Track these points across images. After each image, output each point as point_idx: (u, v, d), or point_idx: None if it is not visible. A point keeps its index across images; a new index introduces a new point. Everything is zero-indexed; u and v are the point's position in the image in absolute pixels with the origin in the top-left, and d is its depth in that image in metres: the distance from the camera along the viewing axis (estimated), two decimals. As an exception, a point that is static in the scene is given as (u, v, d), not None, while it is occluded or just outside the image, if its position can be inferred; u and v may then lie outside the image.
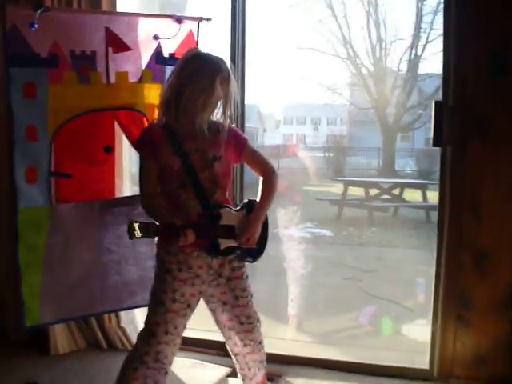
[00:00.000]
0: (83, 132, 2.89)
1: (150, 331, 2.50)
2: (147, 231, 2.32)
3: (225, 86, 2.50)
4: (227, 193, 2.63)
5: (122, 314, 3.51)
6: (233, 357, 2.77)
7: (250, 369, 2.75)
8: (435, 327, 3.07)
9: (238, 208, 2.60)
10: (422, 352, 3.18)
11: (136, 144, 2.69)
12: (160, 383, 2.49)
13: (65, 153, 2.88)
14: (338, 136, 17.66)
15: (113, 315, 3.52)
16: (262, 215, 2.61)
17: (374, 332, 4.40)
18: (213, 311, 2.70)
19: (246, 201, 2.67)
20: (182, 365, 3.15)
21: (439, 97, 2.98)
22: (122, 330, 3.55)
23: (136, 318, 3.62)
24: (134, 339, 3.51)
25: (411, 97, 13.82)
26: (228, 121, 2.59)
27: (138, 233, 2.30)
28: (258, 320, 2.72)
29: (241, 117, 3.30)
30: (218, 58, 2.52)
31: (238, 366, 2.78)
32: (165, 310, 2.49)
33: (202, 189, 2.50)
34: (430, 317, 3.11)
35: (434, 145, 2.96)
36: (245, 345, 2.69)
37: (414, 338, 3.98)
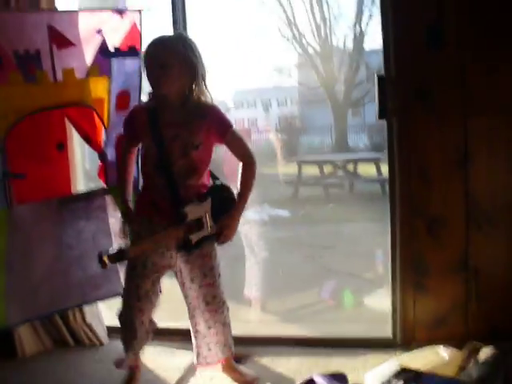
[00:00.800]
0: (34, 131, 2.87)
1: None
2: (118, 259, 2.43)
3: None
4: (205, 174, 2.69)
5: (87, 309, 3.51)
6: (192, 334, 2.85)
7: (209, 349, 2.82)
8: (395, 296, 3.15)
9: (204, 197, 2.61)
10: (385, 321, 3.25)
11: (123, 125, 2.78)
12: None
13: (17, 153, 2.85)
14: (290, 117, 17.69)
15: (77, 311, 3.50)
16: (243, 207, 2.71)
17: (336, 306, 4.47)
18: (182, 285, 2.81)
19: (211, 185, 2.73)
20: (150, 352, 3.16)
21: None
22: (88, 325, 3.54)
23: (101, 313, 3.63)
24: (99, 334, 3.54)
25: (359, 73, 13.91)
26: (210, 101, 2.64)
27: (108, 264, 2.40)
28: (224, 303, 2.78)
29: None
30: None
31: (195, 344, 2.85)
32: (136, 274, 2.69)
33: (174, 179, 2.58)
34: (390, 286, 3.19)
35: (380, 117, 3.02)
36: (209, 326, 2.77)
37: (375, 308, 4.06)
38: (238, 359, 3.17)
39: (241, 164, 2.70)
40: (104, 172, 3.14)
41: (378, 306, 3.98)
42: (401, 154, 3.03)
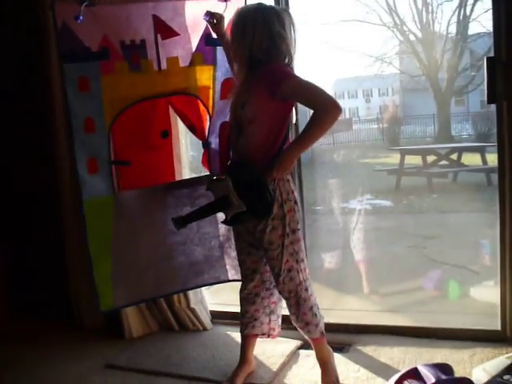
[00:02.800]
0: (139, 119, 2.96)
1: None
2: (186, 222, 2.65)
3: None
4: (257, 137, 2.56)
5: (191, 295, 3.58)
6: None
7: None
8: (504, 287, 3.04)
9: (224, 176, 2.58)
10: (492, 314, 3.15)
11: None
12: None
13: (123, 141, 2.97)
14: (391, 106, 17.40)
15: (182, 297, 3.59)
16: (295, 150, 2.54)
17: (440, 297, 4.36)
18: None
19: (229, 163, 2.75)
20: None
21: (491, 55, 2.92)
22: (192, 310, 3.62)
23: (205, 299, 3.70)
24: (203, 319, 3.61)
25: (462, 59, 13.48)
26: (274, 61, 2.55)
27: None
28: (288, 270, 2.69)
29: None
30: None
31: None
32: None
33: (228, 139, 2.68)
34: (498, 278, 3.07)
35: (489, 102, 2.89)
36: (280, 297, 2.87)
37: (482, 300, 3.94)
38: (340, 348, 3.17)
39: None
40: (208, 160, 3.18)
41: (484, 298, 3.87)
42: (511, 140, 2.91)
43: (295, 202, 2.67)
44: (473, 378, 2.57)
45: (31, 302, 4.23)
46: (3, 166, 4.16)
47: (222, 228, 3.24)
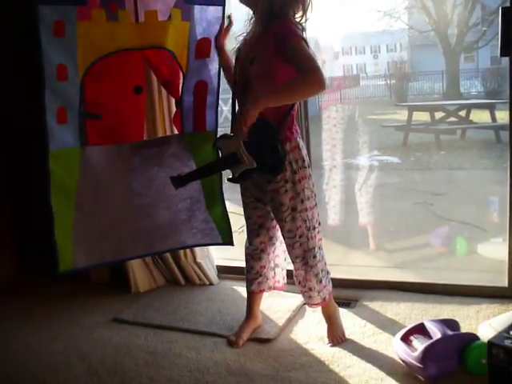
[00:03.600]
0: (113, 72, 2.83)
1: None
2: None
3: None
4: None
5: (197, 249, 3.59)
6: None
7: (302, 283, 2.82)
8: (512, 244, 3.03)
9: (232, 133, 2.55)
10: (500, 271, 3.15)
11: None
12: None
13: (95, 93, 2.83)
14: (399, 62, 17.22)
15: (188, 251, 3.60)
16: (264, 97, 2.36)
17: (448, 253, 4.34)
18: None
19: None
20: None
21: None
22: (198, 265, 3.63)
23: (211, 253, 3.70)
24: (209, 274, 3.62)
25: (473, 14, 13.25)
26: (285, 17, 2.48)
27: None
28: (299, 236, 2.68)
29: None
30: None
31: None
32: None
33: (235, 97, 2.65)
34: (506, 235, 3.06)
35: (502, 55, 2.81)
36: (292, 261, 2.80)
37: (489, 257, 3.93)
38: (347, 303, 3.18)
39: None
40: (180, 119, 3.04)
41: (492, 255, 3.86)
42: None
43: (309, 168, 2.64)
44: (479, 334, 2.57)
45: (39, 254, 4.25)
46: (6, 115, 4.17)
47: (191, 190, 3.08)
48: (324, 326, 2.89)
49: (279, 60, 2.44)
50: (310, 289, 2.77)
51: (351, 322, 3.01)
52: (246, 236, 2.97)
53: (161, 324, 3.19)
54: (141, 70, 2.96)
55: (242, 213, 2.91)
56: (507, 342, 2.18)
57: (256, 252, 2.89)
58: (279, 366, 2.65)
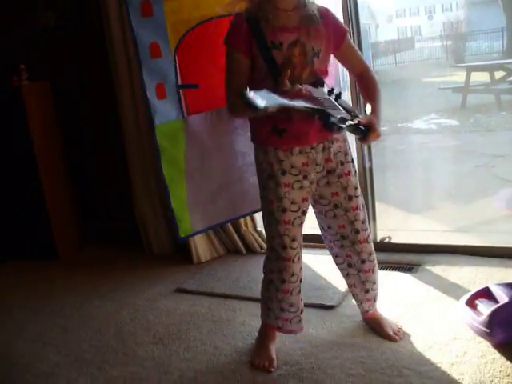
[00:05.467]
0: (203, 41, 2.90)
1: (270, 249, 2.39)
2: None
3: None
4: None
5: (257, 217, 3.60)
6: (344, 276, 2.63)
7: (366, 291, 2.58)
8: None
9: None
10: None
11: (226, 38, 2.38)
12: (295, 306, 2.44)
13: (189, 64, 2.93)
14: (455, 22, 16.79)
15: (248, 220, 3.63)
16: (378, 119, 2.24)
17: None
18: (321, 215, 2.49)
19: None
20: (319, 260, 3.27)
21: None
22: (259, 233, 3.66)
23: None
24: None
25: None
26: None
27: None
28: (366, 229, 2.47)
29: (354, 14, 3.22)
30: None
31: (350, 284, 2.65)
32: (276, 221, 2.32)
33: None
34: None
35: None
36: (362, 261, 2.49)
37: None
38: (409, 268, 3.15)
39: (360, 78, 2.40)
40: None
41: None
42: None
43: (352, 162, 2.44)
44: (547, 297, 2.52)
45: (102, 228, 4.36)
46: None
47: None
48: (385, 290, 2.88)
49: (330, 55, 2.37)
50: (375, 298, 2.63)
51: (414, 287, 2.99)
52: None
53: (224, 293, 3.23)
54: None
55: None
56: None
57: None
58: (343, 332, 2.66)
